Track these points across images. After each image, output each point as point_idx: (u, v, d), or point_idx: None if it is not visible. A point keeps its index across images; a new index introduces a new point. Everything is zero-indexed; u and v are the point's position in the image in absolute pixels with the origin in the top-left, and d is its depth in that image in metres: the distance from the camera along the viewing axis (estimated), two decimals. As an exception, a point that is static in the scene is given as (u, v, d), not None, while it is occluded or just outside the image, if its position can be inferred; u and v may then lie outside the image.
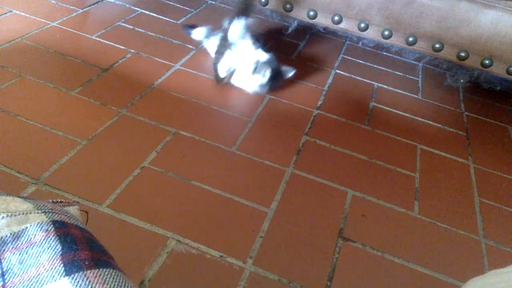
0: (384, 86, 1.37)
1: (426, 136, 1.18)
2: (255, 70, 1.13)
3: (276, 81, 1.18)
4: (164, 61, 1.23)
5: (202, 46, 1.31)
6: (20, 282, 0.34)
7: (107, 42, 1.26)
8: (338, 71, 1.39)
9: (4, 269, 0.35)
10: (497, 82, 1.37)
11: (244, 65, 1.15)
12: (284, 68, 1.20)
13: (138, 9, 1.47)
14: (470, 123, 1.28)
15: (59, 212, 0.40)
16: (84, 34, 1.27)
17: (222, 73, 1.16)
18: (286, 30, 1.52)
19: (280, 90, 1.22)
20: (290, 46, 1.48)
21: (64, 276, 0.35)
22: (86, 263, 0.36)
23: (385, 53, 1.56)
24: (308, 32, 1.60)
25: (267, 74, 1.13)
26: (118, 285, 0.36)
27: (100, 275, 0.36)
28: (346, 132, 1.13)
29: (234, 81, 1.18)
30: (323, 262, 0.77)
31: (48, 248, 0.36)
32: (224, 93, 1.17)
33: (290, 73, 1.21)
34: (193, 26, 1.38)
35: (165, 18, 1.46)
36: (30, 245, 0.36)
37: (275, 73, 1.15)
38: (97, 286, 0.35)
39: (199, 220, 0.80)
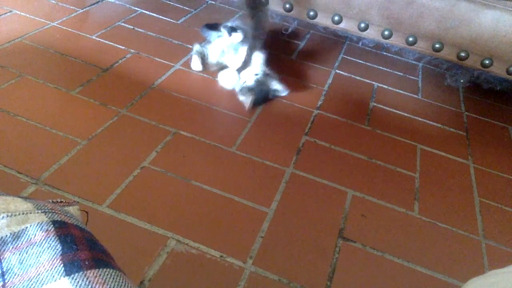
0: (384, 86, 1.37)
1: (426, 136, 1.18)
2: (240, 91, 1.14)
3: (260, 103, 1.15)
4: (164, 61, 1.23)
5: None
6: (20, 282, 0.34)
7: (107, 42, 1.26)
8: (338, 71, 1.39)
9: (4, 269, 0.35)
10: (497, 82, 1.37)
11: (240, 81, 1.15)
12: (277, 88, 1.17)
13: (138, 9, 1.47)
14: (470, 123, 1.28)
15: (59, 212, 0.40)
16: (84, 34, 1.27)
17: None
18: (286, 30, 1.52)
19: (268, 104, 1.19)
20: (290, 46, 1.48)
21: (64, 276, 0.35)
22: (86, 263, 0.36)
23: (385, 53, 1.56)
24: (308, 32, 1.60)
25: (248, 101, 1.10)
26: (118, 285, 0.36)
27: (100, 275, 0.36)
28: (346, 132, 1.13)
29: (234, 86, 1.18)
30: (323, 262, 0.77)
31: (48, 248, 0.36)
32: (225, 93, 1.17)
33: (283, 93, 1.18)
34: (212, 26, 1.36)
35: (165, 18, 1.46)
36: (30, 245, 0.36)
37: (259, 99, 1.12)
38: (97, 286, 0.35)
39: (199, 220, 0.80)
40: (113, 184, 0.83)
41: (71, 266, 0.35)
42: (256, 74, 1.14)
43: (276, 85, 1.16)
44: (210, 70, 1.24)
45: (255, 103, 1.12)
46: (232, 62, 1.21)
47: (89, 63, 1.15)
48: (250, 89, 1.12)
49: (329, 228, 0.84)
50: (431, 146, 1.14)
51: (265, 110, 1.13)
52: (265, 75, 1.16)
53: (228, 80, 1.17)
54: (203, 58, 1.23)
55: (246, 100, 1.11)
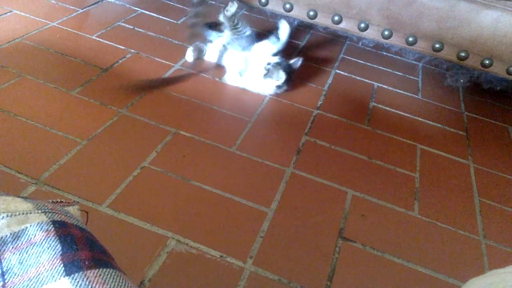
0: (384, 86, 1.37)
1: (426, 136, 1.18)
2: (267, 74, 1.15)
3: (290, 79, 1.19)
4: (164, 61, 1.23)
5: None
6: (20, 282, 0.34)
7: (107, 42, 1.26)
8: (338, 71, 1.39)
9: (4, 269, 0.35)
10: (497, 82, 1.37)
11: (255, 69, 1.17)
12: (292, 62, 1.21)
13: (138, 9, 1.47)
14: (470, 123, 1.28)
15: (59, 212, 0.40)
16: (84, 34, 1.27)
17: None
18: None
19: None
20: (290, 46, 1.48)
21: (64, 276, 0.35)
22: (86, 263, 0.36)
23: (385, 53, 1.56)
24: (308, 32, 1.60)
25: (281, 76, 1.15)
26: (118, 285, 0.36)
27: (100, 275, 0.36)
28: (346, 132, 1.13)
29: (245, 84, 1.19)
30: (323, 262, 0.77)
31: (48, 248, 0.36)
32: (224, 93, 1.17)
33: (299, 63, 1.22)
34: (212, 26, 1.36)
35: (165, 18, 1.46)
36: (30, 245, 0.36)
37: (288, 72, 1.17)
38: (97, 286, 0.35)
39: (199, 220, 0.80)
40: (113, 184, 0.83)
41: (71, 266, 0.35)
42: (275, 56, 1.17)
43: (292, 61, 1.21)
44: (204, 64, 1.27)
45: (287, 78, 1.17)
46: (234, 59, 1.21)
47: (89, 63, 1.15)
48: (277, 65, 1.15)
49: (329, 228, 0.84)
50: (431, 146, 1.14)
51: (265, 110, 1.13)
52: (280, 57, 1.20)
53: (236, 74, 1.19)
54: (199, 53, 1.27)
55: (276, 75, 1.15)
